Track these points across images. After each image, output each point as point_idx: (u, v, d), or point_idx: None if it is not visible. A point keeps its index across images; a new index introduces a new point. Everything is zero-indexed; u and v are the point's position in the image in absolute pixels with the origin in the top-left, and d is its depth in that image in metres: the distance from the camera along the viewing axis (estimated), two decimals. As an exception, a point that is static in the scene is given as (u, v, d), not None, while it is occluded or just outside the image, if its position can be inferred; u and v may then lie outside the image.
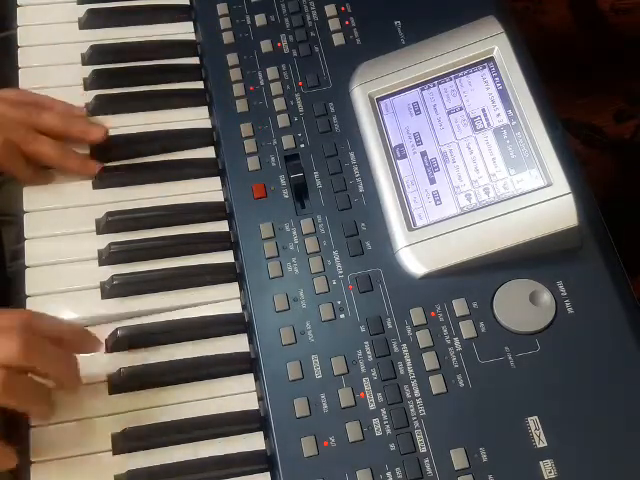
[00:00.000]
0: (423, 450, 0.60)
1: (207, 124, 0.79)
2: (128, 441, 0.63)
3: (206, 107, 0.80)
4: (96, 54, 0.81)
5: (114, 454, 0.63)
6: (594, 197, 0.70)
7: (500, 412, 0.61)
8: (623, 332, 0.63)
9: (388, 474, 0.60)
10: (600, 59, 1.04)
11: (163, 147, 0.77)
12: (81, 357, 0.64)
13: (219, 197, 0.75)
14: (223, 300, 0.70)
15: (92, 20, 0.83)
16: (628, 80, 1.03)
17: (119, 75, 0.81)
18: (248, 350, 0.67)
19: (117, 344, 0.67)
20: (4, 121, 0.72)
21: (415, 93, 0.74)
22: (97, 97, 0.79)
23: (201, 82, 0.81)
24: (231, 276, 0.71)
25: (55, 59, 0.81)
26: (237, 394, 0.66)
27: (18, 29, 0.83)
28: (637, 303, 0.65)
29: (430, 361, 0.63)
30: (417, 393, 0.62)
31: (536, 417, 0.61)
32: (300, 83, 0.77)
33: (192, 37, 0.84)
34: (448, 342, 0.64)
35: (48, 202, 0.74)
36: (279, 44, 0.80)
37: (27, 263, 0.71)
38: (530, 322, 0.64)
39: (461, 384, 0.62)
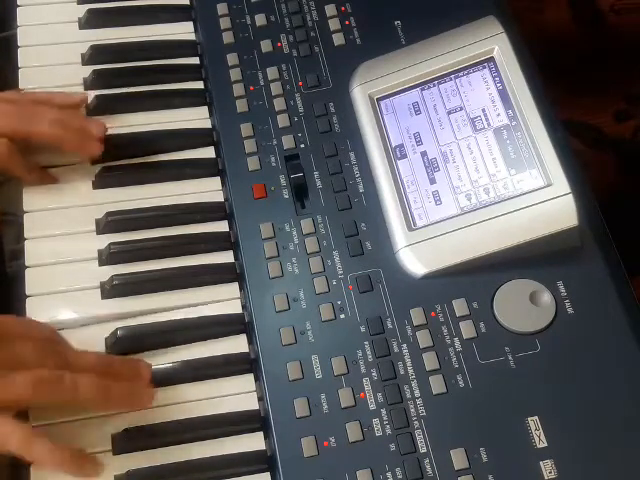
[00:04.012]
0: (423, 450, 0.60)
1: (207, 124, 0.79)
2: (128, 441, 0.63)
3: (206, 107, 0.80)
4: (96, 54, 0.81)
5: (114, 454, 0.63)
6: (594, 197, 0.70)
7: (500, 412, 0.61)
8: (623, 332, 0.63)
9: (388, 474, 0.60)
10: (600, 59, 1.04)
11: (163, 147, 0.77)
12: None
13: (219, 197, 0.75)
14: (223, 300, 0.70)
15: (92, 20, 0.83)
16: (628, 80, 1.03)
17: (119, 75, 0.81)
18: (248, 350, 0.67)
19: (117, 344, 0.67)
20: None
21: (415, 93, 0.74)
22: (97, 97, 0.79)
23: (201, 82, 0.81)
24: (231, 276, 0.71)
25: (55, 59, 0.81)
26: (237, 394, 0.66)
27: (18, 29, 0.83)
28: (637, 303, 0.65)
29: (430, 361, 0.63)
30: (417, 393, 0.62)
31: (536, 417, 0.61)
32: (300, 83, 0.77)
33: (192, 37, 0.84)
34: (448, 342, 0.64)
35: (48, 202, 0.74)
36: (279, 44, 0.80)
37: (27, 263, 0.70)
38: (530, 322, 0.64)
39: (461, 384, 0.62)
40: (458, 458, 0.60)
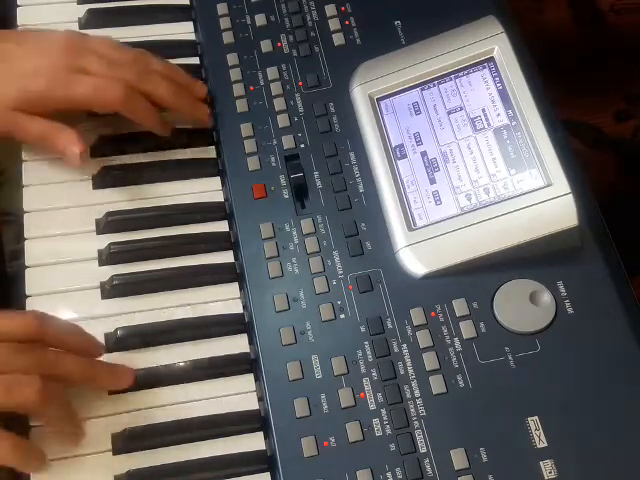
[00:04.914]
0: (423, 450, 0.60)
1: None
2: (128, 441, 0.63)
3: (206, 107, 0.80)
4: (96, 54, 0.81)
5: (114, 454, 0.63)
6: (594, 197, 0.70)
7: (500, 412, 0.61)
8: (623, 332, 0.63)
9: (388, 474, 0.60)
10: (600, 59, 1.04)
11: (163, 147, 0.77)
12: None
13: (219, 197, 0.75)
14: (223, 300, 0.70)
15: (92, 20, 0.83)
16: (628, 80, 1.03)
17: (119, 75, 0.81)
18: (248, 350, 0.67)
19: (117, 344, 0.67)
20: (117, 63, 0.73)
21: (415, 93, 0.74)
22: (97, 97, 0.79)
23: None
24: (231, 276, 0.71)
25: (55, 59, 0.81)
26: (237, 394, 0.66)
27: (18, 29, 0.83)
28: (637, 303, 0.65)
29: (430, 361, 0.63)
30: (417, 393, 0.62)
31: (536, 417, 0.61)
32: (300, 83, 0.77)
33: (192, 37, 0.84)
34: (448, 342, 0.64)
35: (48, 202, 0.74)
36: (279, 44, 0.80)
37: (27, 263, 0.70)
38: (530, 322, 0.64)
39: (461, 384, 0.62)
40: (458, 458, 0.60)
